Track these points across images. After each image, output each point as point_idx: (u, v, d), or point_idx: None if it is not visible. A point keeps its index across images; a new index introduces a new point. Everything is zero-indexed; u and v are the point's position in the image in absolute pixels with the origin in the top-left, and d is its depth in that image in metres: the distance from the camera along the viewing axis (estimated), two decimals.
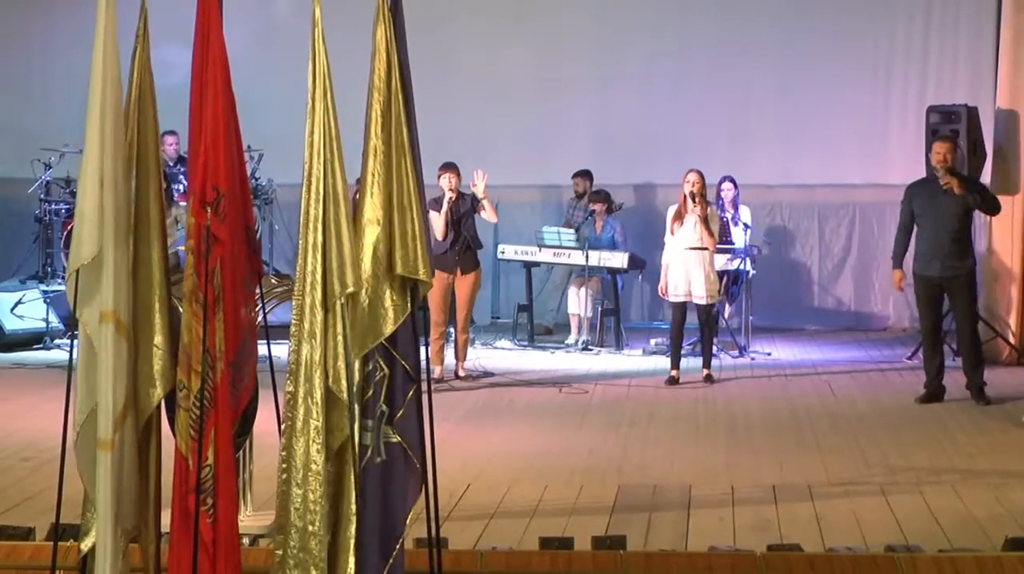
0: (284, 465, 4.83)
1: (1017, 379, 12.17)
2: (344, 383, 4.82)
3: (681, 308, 12.47)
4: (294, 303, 4.84)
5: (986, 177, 13.44)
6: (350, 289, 4.82)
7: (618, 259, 14.30)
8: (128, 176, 4.98)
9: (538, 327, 15.11)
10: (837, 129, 15.82)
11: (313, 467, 4.80)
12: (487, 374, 12.84)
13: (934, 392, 11.30)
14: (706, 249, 12.38)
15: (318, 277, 4.80)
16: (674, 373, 12.46)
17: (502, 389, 12.21)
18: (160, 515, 5.15)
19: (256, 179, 15.06)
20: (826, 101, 15.83)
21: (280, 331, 5.35)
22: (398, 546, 4.97)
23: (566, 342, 14.62)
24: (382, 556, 4.94)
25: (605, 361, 13.81)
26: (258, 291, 5.32)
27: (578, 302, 14.64)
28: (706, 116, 15.88)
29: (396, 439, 4.94)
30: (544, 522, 7.54)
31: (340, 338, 4.83)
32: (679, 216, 12.33)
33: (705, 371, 12.54)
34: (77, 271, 4.87)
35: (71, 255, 4.91)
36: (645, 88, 16.07)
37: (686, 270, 12.32)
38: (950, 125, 13.39)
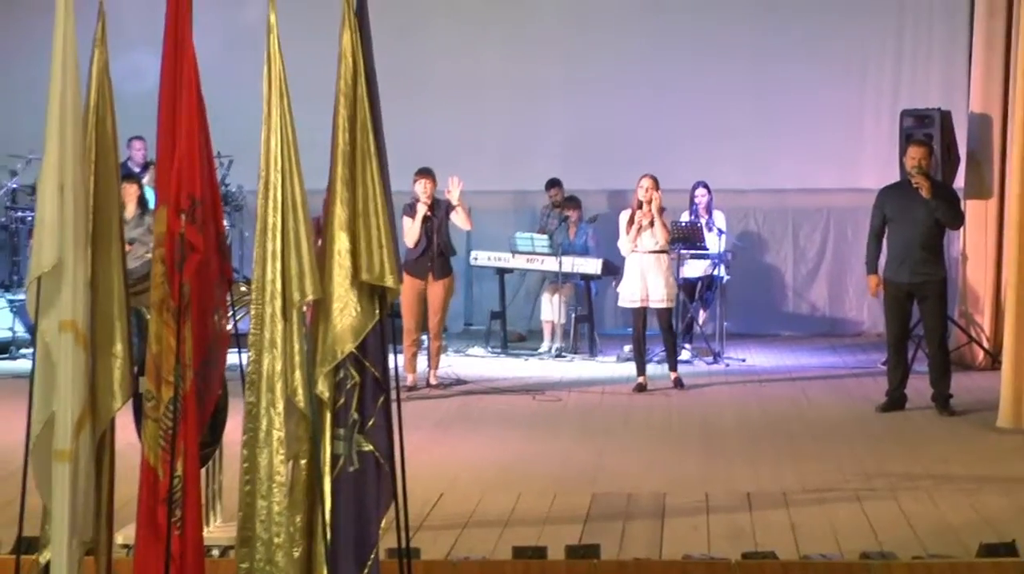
0: (247, 477, 4.79)
1: (992, 383, 12.15)
2: (301, 394, 4.80)
3: (640, 314, 12.43)
4: (253, 313, 4.81)
5: (959, 181, 13.47)
6: (309, 297, 4.79)
7: (592, 265, 14.30)
8: (88, 183, 4.95)
9: (511, 334, 15.09)
10: (810, 133, 15.85)
11: (277, 478, 4.77)
12: (460, 382, 12.80)
13: (896, 401, 11.28)
14: (665, 252, 12.39)
15: (278, 286, 4.78)
16: (641, 379, 12.41)
17: (475, 397, 12.17)
18: (113, 527, 5.11)
19: (226, 186, 15.00)
20: (799, 105, 15.86)
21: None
22: (373, 555, 4.96)
23: (539, 349, 14.60)
24: (357, 565, 4.93)
25: (579, 368, 13.80)
26: (228, 298, 5.29)
27: (551, 308, 14.62)
28: (678, 120, 15.89)
29: (368, 448, 4.93)
30: (517, 531, 7.50)
31: (297, 347, 4.81)
32: (631, 221, 12.33)
33: (673, 375, 12.52)
34: (38, 279, 4.84)
35: (31, 263, 4.89)
36: (617, 93, 16.06)
37: (642, 274, 12.31)
38: (923, 129, 13.41)
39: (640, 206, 12.31)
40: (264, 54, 4.81)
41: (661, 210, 12.37)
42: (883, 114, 15.64)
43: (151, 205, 12.80)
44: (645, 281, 12.30)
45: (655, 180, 12.34)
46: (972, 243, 13.62)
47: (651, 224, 12.28)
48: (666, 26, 16.12)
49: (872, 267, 11.41)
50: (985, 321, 13.54)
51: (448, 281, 12.55)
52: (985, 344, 13.44)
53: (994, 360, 13.05)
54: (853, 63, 16.01)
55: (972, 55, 14.05)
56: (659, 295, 12.32)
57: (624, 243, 12.41)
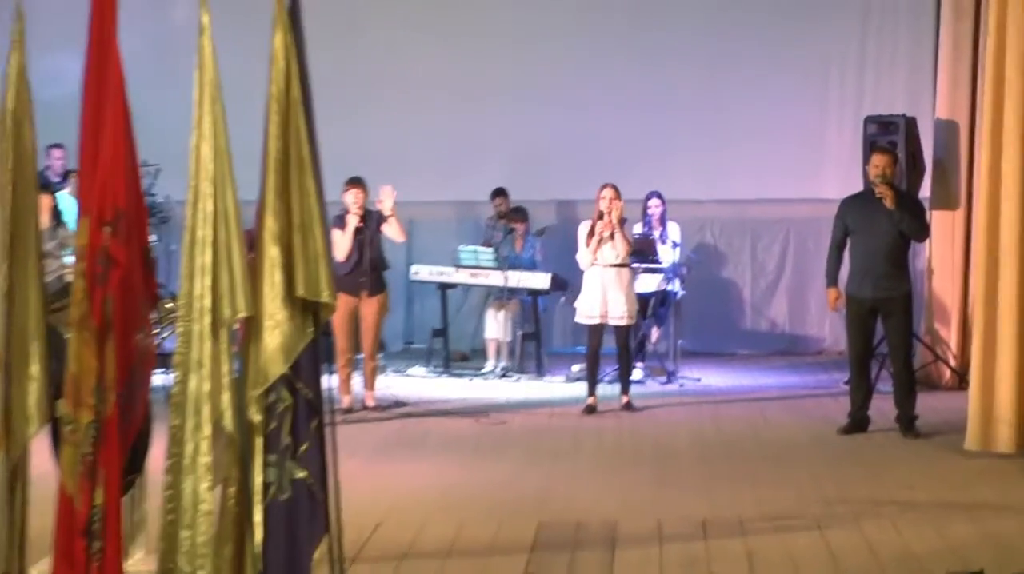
0: (170, 506, 4.76)
1: (959, 404, 12.23)
2: (230, 417, 4.77)
3: (597, 331, 12.45)
4: (179, 330, 4.78)
5: (925, 191, 13.56)
6: (241, 314, 4.77)
7: (539, 280, 14.29)
8: (5, 193, 4.92)
9: (454, 353, 15.04)
10: (769, 141, 15.89)
11: (202, 507, 4.74)
12: (399, 404, 12.76)
13: (858, 422, 11.33)
14: (626, 266, 12.42)
15: (206, 303, 4.75)
16: (591, 400, 12.42)
17: (415, 420, 12.15)
18: (26, 560, 5.07)
19: (152, 196, 14.92)
20: (758, 111, 15.90)
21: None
22: None
23: (484, 369, 14.58)
24: None
25: (525, 389, 13.79)
26: (153, 316, 5.26)
27: (496, 326, 14.60)
28: (631, 128, 15.90)
29: (301, 475, 4.91)
30: (459, 563, 7.51)
31: (226, 368, 4.78)
32: (592, 233, 12.36)
33: (624, 398, 12.53)
34: None
35: None
36: (567, 99, 16.05)
37: (603, 289, 12.34)
38: (888, 136, 13.48)
39: (601, 217, 12.34)
40: (196, 56, 4.79)
41: (622, 221, 12.40)
42: (846, 121, 15.71)
43: (65, 216, 12.69)
44: (605, 296, 12.33)
45: (617, 190, 12.38)
46: (938, 256, 13.70)
47: (612, 236, 12.31)
48: (618, 31, 16.13)
49: (832, 280, 11.45)
50: (952, 338, 13.62)
51: (382, 297, 12.52)
52: (952, 362, 13.52)
53: (961, 379, 13.14)
54: (815, 68, 16.08)
55: (938, 60, 14.13)
56: (619, 311, 12.34)
57: (584, 256, 12.43)
